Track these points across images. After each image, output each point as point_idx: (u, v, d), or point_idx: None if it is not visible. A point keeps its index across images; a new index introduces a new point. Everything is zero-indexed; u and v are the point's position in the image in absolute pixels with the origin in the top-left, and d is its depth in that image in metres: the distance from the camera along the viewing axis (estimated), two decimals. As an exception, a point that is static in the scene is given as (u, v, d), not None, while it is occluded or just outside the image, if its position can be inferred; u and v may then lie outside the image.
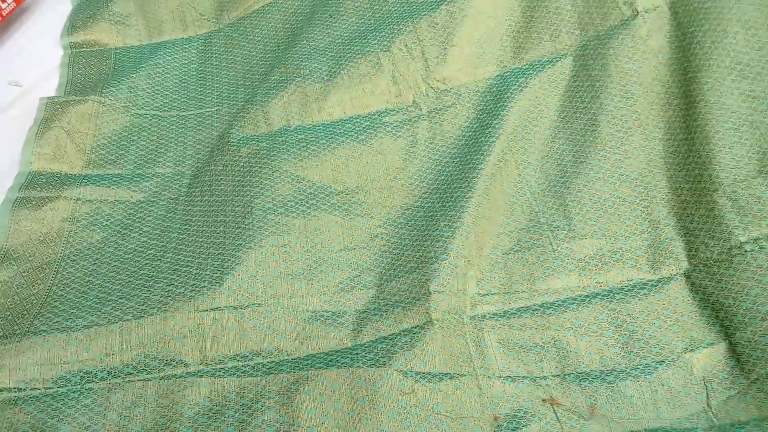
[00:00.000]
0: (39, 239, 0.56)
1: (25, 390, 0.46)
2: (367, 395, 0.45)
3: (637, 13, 0.59)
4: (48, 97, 0.66)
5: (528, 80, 0.60)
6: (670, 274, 0.50)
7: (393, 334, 0.48)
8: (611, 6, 0.60)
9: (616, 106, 0.57)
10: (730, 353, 0.45)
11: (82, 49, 0.73)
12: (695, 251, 0.49)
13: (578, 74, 0.59)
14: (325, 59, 0.64)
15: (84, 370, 0.47)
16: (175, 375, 0.47)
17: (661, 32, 0.58)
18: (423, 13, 0.64)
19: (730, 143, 0.51)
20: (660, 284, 0.49)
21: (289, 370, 0.48)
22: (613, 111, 0.56)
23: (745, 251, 0.47)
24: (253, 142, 0.61)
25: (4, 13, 0.73)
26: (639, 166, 0.54)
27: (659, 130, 0.55)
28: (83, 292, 0.52)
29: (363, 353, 0.48)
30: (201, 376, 0.47)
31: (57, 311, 0.50)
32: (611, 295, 0.50)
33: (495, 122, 0.58)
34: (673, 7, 0.58)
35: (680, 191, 0.52)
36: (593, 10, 0.61)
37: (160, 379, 0.47)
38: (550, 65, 0.60)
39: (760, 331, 0.44)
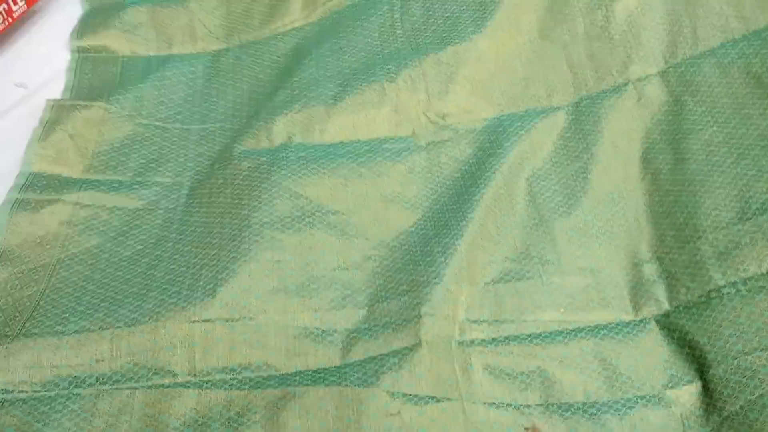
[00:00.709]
0: (35, 241, 0.56)
1: (12, 392, 0.46)
2: (353, 414, 0.45)
3: (629, 81, 0.62)
4: (54, 100, 0.66)
5: (524, 125, 0.63)
6: (652, 315, 0.51)
7: (382, 354, 0.49)
8: (604, 72, 0.64)
9: (606, 158, 0.60)
10: (706, 391, 0.46)
11: (89, 54, 0.74)
12: (676, 294, 0.51)
13: (571, 126, 0.62)
14: (331, 85, 0.66)
15: (73, 375, 0.47)
16: (163, 385, 0.48)
17: (653, 98, 0.62)
18: (430, 51, 0.67)
19: (715, 194, 0.53)
20: (642, 324, 0.51)
21: (276, 385, 0.48)
22: (603, 162, 0.59)
23: (723, 294, 0.49)
24: (254, 156, 0.62)
25: (15, 15, 0.74)
26: (626, 213, 0.57)
27: (646, 181, 0.58)
28: (76, 296, 0.53)
29: (351, 372, 0.48)
30: (189, 387, 0.48)
31: (49, 315, 0.51)
32: (596, 330, 0.51)
33: (491, 160, 0.60)
34: (665, 77, 0.61)
35: (664, 237, 0.54)
36: (588, 73, 0.65)
37: (148, 388, 0.47)
38: (544, 115, 0.63)
39: (731, 369, 0.45)
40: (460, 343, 0.50)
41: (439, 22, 0.69)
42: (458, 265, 0.53)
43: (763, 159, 0.53)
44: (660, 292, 0.52)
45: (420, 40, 0.69)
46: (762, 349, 0.45)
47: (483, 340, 0.51)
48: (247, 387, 0.48)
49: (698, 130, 0.57)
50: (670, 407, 0.47)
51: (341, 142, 0.63)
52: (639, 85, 0.62)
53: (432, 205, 0.59)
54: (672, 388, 0.47)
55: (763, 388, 0.43)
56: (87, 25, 0.75)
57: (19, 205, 0.58)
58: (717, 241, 0.51)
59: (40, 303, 0.52)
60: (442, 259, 0.53)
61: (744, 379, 0.44)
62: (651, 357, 0.49)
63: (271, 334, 0.51)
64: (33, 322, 0.50)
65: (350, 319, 0.52)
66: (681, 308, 0.51)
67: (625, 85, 0.63)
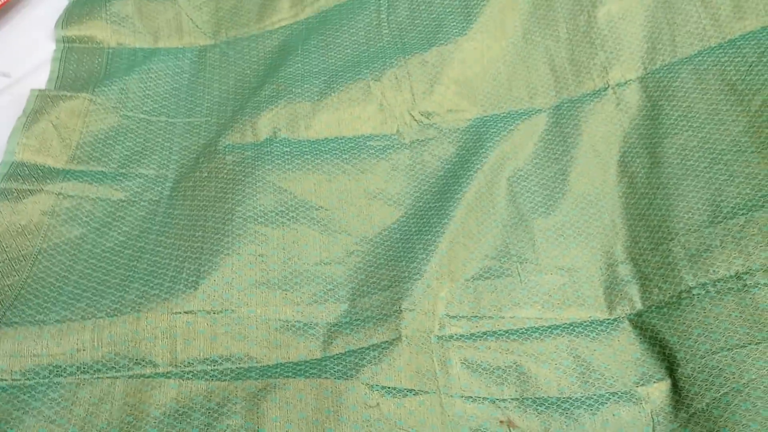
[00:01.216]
0: (17, 231, 0.56)
1: (-9, 380, 0.46)
2: (332, 406, 0.46)
3: (608, 86, 0.63)
4: (39, 89, 0.66)
5: (506, 125, 0.64)
6: (625, 314, 0.53)
7: (362, 347, 0.50)
8: (585, 76, 0.65)
9: (585, 161, 0.61)
10: (675, 388, 0.48)
11: (75, 45, 0.73)
12: (649, 294, 0.53)
13: (552, 129, 0.64)
14: (317, 82, 0.67)
15: (54, 364, 0.47)
16: (144, 375, 0.48)
17: (631, 102, 0.63)
18: (415, 51, 0.68)
19: (688, 198, 0.55)
20: (616, 323, 0.53)
21: (257, 377, 0.49)
22: (582, 165, 0.61)
23: (693, 295, 0.50)
24: (239, 150, 0.63)
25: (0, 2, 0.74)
26: (602, 215, 0.58)
27: (623, 184, 0.60)
28: (58, 286, 0.53)
29: (331, 365, 0.49)
30: (170, 378, 0.48)
31: (30, 304, 0.51)
32: (571, 328, 0.52)
33: (474, 159, 0.61)
34: (644, 82, 0.63)
35: (638, 239, 0.56)
36: (569, 76, 0.66)
37: (129, 378, 0.48)
38: (526, 117, 0.65)
39: (699, 367, 0.47)
40: (439, 338, 0.51)
41: (425, 23, 0.70)
42: (439, 262, 0.54)
43: (735, 164, 0.55)
44: (633, 292, 0.54)
45: (406, 40, 0.70)
46: (728, 349, 0.47)
47: (461, 335, 0.52)
48: (228, 378, 0.48)
49: (674, 134, 0.59)
50: (641, 404, 0.48)
51: (326, 138, 0.64)
52: (618, 90, 0.64)
53: (415, 202, 0.60)
54: (643, 385, 0.49)
55: (728, 387, 0.45)
56: (73, 14, 0.75)
57: (1, 194, 0.58)
58: (689, 243, 0.53)
59: (21, 292, 0.52)
60: (424, 255, 0.54)
61: (710, 378, 0.46)
62: (623, 355, 0.51)
63: (253, 326, 0.51)
64: (14, 311, 0.50)
65: (331, 313, 0.53)
66: (653, 308, 0.52)
67: (605, 89, 0.65)
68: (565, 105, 0.65)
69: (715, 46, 0.62)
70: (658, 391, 0.48)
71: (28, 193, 0.58)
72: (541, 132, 0.64)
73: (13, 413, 0.44)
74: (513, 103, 0.66)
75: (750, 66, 0.59)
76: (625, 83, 0.64)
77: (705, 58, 0.62)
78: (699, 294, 0.50)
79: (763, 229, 0.50)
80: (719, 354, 0.47)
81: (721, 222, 0.52)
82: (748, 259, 0.50)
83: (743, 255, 0.50)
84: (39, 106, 0.64)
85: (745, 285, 0.49)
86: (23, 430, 0.44)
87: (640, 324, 0.52)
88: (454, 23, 0.69)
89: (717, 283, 0.50)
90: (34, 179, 0.60)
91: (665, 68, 0.63)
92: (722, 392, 0.45)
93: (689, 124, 0.59)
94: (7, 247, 0.55)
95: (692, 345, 0.48)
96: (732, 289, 0.49)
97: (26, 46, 0.74)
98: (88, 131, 0.65)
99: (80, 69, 0.71)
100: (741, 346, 0.46)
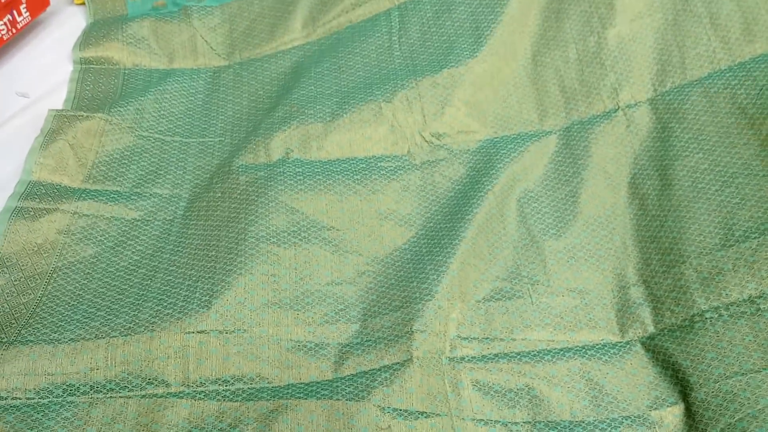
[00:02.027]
0: (33, 249, 0.57)
1: (5, 399, 0.46)
2: (343, 428, 0.46)
3: (618, 107, 0.64)
4: (56, 110, 0.67)
5: (517, 147, 0.65)
6: (637, 337, 0.53)
7: (373, 369, 0.50)
8: (596, 97, 0.66)
9: (595, 183, 0.61)
10: (688, 413, 0.47)
11: (92, 66, 0.75)
12: (661, 317, 0.53)
13: (562, 150, 0.64)
14: (329, 103, 0.67)
15: (67, 383, 0.47)
16: (157, 395, 0.48)
17: (641, 124, 0.64)
18: (426, 74, 0.69)
19: (700, 221, 0.55)
20: (628, 346, 0.52)
21: (269, 397, 0.49)
22: (592, 187, 0.61)
23: (706, 318, 0.50)
24: (252, 170, 0.64)
25: (19, 26, 0.75)
26: (613, 237, 0.58)
27: (634, 206, 0.59)
28: (73, 305, 0.53)
29: (343, 386, 0.49)
30: (182, 398, 0.48)
31: (45, 322, 0.51)
32: (583, 351, 0.52)
33: (485, 180, 0.62)
34: (654, 104, 0.63)
35: (650, 261, 0.56)
36: (579, 98, 0.67)
37: (142, 398, 0.48)
38: (536, 139, 0.65)
39: (712, 392, 0.46)
40: (451, 360, 0.51)
41: (436, 45, 0.71)
42: (450, 283, 0.54)
43: (747, 187, 0.55)
44: (645, 314, 0.53)
45: (417, 62, 0.70)
46: (742, 374, 0.46)
47: (473, 357, 0.51)
48: (239, 398, 0.48)
49: (684, 156, 0.59)
50: (655, 428, 0.48)
51: (338, 159, 0.65)
52: (628, 112, 0.64)
53: (425, 222, 0.61)
54: (656, 409, 0.48)
55: (743, 412, 0.44)
56: (90, 36, 0.77)
57: (18, 213, 0.58)
58: (701, 266, 0.53)
59: (37, 310, 0.52)
60: (435, 276, 0.54)
61: (725, 403, 0.46)
62: (636, 378, 0.50)
63: (265, 346, 0.52)
64: (29, 329, 0.50)
65: (343, 334, 0.53)
66: (665, 331, 0.52)
67: (615, 110, 0.65)
68: (575, 127, 0.65)
69: (725, 69, 0.62)
70: (672, 415, 0.48)
71: (45, 212, 0.59)
72: (551, 154, 0.64)
73: (26, 432, 0.44)
74: (523, 125, 0.67)
75: (760, 90, 0.59)
76: (635, 105, 0.65)
77: (715, 81, 0.62)
78: (712, 318, 0.50)
79: None
80: (733, 378, 0.46)
81: (734, 245, 0.52)
82: (761, 283, 0.49)
83: (756, 278, 0.50)
84: (56, 126, 0.66)
85: (759, 309, 0.49)
86: (36, 449, 0.44)
87: (652, 347, 0.52)
88: (465, 45, 0.70)
89: (730, 306, 0.50)
90: (50, 198, 0.61)
91: (675, 90, 0.64)
92: (737, 417, 0.44)
93: (700, 146, 0.59)
94: (23, 265, 0.56)
95: (705, 369, 0.48)
96: (745, 313, 0.49)
97: (45, 68, 0.76)
98: (104, 151, 0.66)
99: (97, 90, 0.73)
100: (755, 371, 0.46)
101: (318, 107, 0.67)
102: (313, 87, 0.70)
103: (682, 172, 0.59)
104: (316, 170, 0.63)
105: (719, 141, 0.59)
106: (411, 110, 0.67)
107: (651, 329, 0.53)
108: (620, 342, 0.53)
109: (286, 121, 0.66)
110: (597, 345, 0.53)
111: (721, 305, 0.50)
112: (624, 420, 0.48)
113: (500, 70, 0.69)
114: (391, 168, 0.65)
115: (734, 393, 0.45)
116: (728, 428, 0.44)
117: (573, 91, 0.67)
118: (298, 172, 0.63)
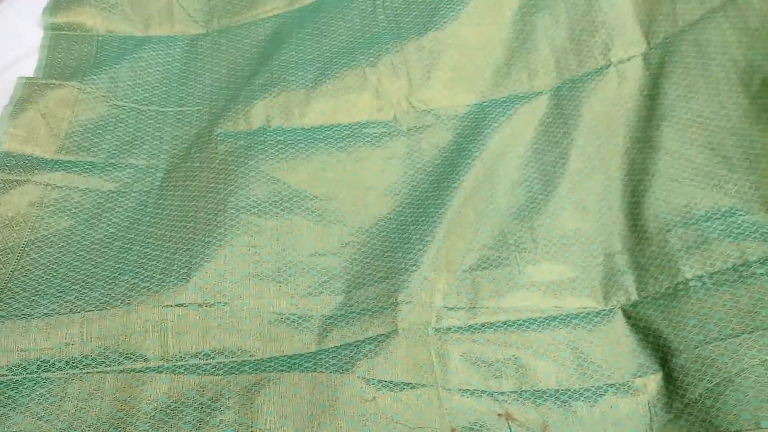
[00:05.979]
0: (4, 223, 0.55)
1: (-23, 376, 0.45)
2: (327, 400, 0.45)
3: (610, 63, 0.62)
4: (26, 78, 0.65)
5: (506, 111, 0.62)
6: (621, 305, 0.52)
7: (358, 341, 0.49)
8: (587, 54, 0.64)
9: (585, 144, 0.60)
10: (669, 379, 0.47)
11: (63, 32, 0.72)
12: (644, 284, 0.52)
13: (552, 111, 0.62)
14: (311, 69, 0.65)
15: (41, 359, 0.46)
16: (135, 369, 0.47)
17: (632, 81, 0.62)
18: (411, 36, 0.66)
19: (686, 190, 0.54)
20: (611, 314, 0.52)
21: (251, 371, 0.48)
22: (582, 148, 0.60)
23: (689, 287, 0.50)
24: (232, 139, 0.62)
25: (-16, -10, 0.72)
26: (600, 202, 0.57)
27: (621, 170, 0.58)
28: (46, 279, 0.51)
29: (327, 358, 0.48)
30: (161, 372, 0.47)
31: (18, 297, 0.49)
32: (568, 320, 0.52)
33: (472, 146, 0.60)
34: (646, 59, 0.61)
35: (635, 228, 0.55)
36: (570, 56, 0.65)
37: (119, 373, 0.47)
38: (527, 100, 0.63)
39: (692, 358, 0.46)
40: (437, 330, 0.50)
41: (420, 7, 0.69)
42: (436, 253, 0.53)
43: (734, 156, 0.54)
44: (629, 282, 0.53)
45: (401, 25, 0.68)
46: (721, 339, 0.46)
47: (459, 328, 0.51)
48: (221, 372, 0.48)
49: (672, 117, 0.57)
50: (639, 395, 0.48)
51: (321, 126, 0.63)
52: (620, 67, 0.62)
53: (411, 191, 0.59)
54: (640, 376, 0.48)
55: (720, 377, 0.45)
56: (61, 1, 0.73)
57: (-13, 185, 0.56)
58: (686, 235, 0.52)
59: (9, 285, 0.51)
60: (420, 246, 0.53)
61: (703, 368, 0.46)
62: (620, 346, 0.50)
63: (246, 319, 0.51)
64: (0, 305, 0.49)
65: (327, 306, 0.52)
66: (649, 299, 0.51)
67: (607, 67, 0.63)
68: (566, 86, 0.63)
69: (717, 7, 0.59)
70: (655, 382, 0.48)
71: (15, 183, 0.57)
72: (541, 115, 0.62)
73: (-1, 410, 0.43)
74: (513, 87, 0.65)
75: (753, 33, 0.57)
76: (628, 59, 0.62)
77: (706, 25, 0.60)
78: (695, 286, 0.49)
79: (760, 224, 0.50)
80: (712, 344, 0.46)
81: (720, 218, 0.51)
82: (744, 252, 0.49)
83: (740, 248, 0.49)
84: (26, 94, 0.63)
85: (741, 276, 0.48)
86: (10, 427, 0.43)
87: (633, 314, 0.51)
88: (450, 6, 0.67)
89: (714, 275, 0.49)
90: (21, 169, 0.58)
91: (667, 41, 0.61)
92: (714, 382, 0.44)
93: (688, 105, 0.57)
94: (-7, 239, 0.54)
95: (686, 336, 0.48)
96: (728, 281, 0.49)
97: (14, 33, 0.72)
98: (77, 121, 0.64)
99: (69, 57, 0.70)
100: (734, 336, 0.46)
101: (300, 73, 0.65)
102: (294, 53, 0.68)
103: (669, 135, 0.57)
104: (298, 138, 0.62)
105: (711, 99, 0.57)
106: (396, 75, 0.65)
107: (634, 297, 0.52)
108: (603, 309, 0.52)
109: (266, 88, 0.64)
110: (582, 314, 0.52)
111: (705, 274, 0.50)
112: (609, 388, 0.48)
113: (487, 31, 0.67)
114: (376, 135, 0.63)
115: (713, 358, 0.45)
116: (706, 393, 0.44)
117: (563, 49, 0.65)
118: (280, 140, 0.61)
